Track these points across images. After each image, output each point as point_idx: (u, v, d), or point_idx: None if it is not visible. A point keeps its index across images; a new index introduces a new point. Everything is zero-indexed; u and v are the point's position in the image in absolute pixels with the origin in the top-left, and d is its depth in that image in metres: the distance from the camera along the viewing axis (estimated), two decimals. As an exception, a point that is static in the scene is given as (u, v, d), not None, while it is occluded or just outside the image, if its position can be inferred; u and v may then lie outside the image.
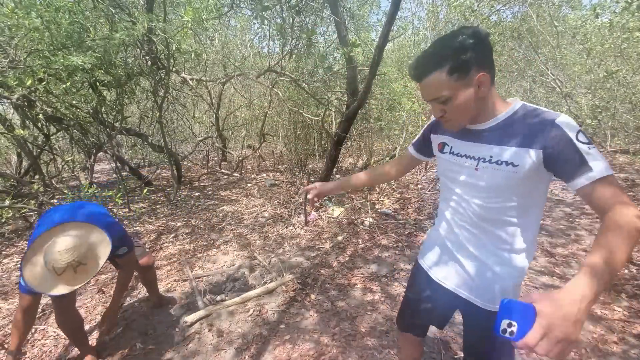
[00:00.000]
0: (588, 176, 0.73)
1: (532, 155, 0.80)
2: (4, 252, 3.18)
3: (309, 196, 1.25)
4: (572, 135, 0.75)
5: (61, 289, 1.38)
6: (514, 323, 0.60)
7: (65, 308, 1.66)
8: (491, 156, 0.87)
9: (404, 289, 1.18)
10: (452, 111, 0.85)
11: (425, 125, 1.14)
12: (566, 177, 0.77)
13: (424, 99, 0.88)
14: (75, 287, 1.41)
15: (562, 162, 0.76)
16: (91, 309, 2.30)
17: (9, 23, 2.66)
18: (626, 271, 2.40)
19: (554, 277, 2.41)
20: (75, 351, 1.88)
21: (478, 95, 0.83)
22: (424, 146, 1.14)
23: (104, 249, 1.50)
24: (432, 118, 1.08)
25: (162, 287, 2.45)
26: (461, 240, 0.98)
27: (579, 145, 0.74)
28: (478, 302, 0.95)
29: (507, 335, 0.60)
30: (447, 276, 1.04)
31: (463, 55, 0.78)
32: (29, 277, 1.37)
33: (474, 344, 1.05)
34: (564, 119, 0.77)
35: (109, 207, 4.29)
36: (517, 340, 0.59)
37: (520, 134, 0.82)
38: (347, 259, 2.88)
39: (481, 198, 0.91)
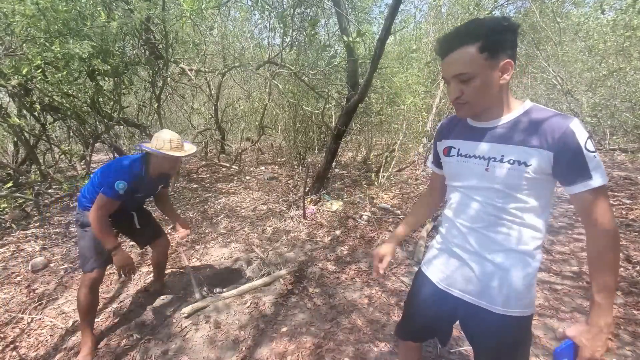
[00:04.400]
0: (586, 183, 0.77)
1: (544, 156, 0.80)
2: (0, 242, 3.16)
3: (383, 265, 1.18)
4: (582, 142, 0.76)
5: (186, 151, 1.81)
6: None
7: (95, 281, 1.78)
8: (502, 155, 0.85)
9: (401, 284, 1.17)
10: (470, 93, 0.82)
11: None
12: (566, 181, 0.80)
13: (445, 76, 0.86)
14: (192, 152, 1.85)
15: (568, 166, 0.78)
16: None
17: (4, 10, 2.61)
18: (622, 269, 2.42)
19: (551, 274, 2.42)
20: (71, 341, 1.88)
21: (499, 82, 0.82)
22: (438, 158, 1.08)
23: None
24: (432, 114, 1.06)
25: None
26: (472, 244, 0.93)
27: (586, 152, 0.76)
28: (497, 309, 0.90)
29: None
30: (454, 283, 0.98)
31: (496, 36, 0.78)
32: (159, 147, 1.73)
33: (495, 355, 0.97)
34: (577, 125, 0.78)
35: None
36: None
37: (533, 134, 0.81)
38: (344, 252, 2.88)
39: (492, 198, 0.88)
